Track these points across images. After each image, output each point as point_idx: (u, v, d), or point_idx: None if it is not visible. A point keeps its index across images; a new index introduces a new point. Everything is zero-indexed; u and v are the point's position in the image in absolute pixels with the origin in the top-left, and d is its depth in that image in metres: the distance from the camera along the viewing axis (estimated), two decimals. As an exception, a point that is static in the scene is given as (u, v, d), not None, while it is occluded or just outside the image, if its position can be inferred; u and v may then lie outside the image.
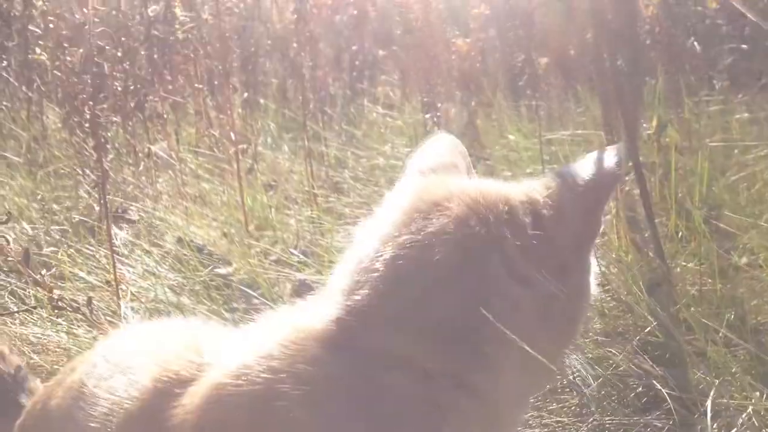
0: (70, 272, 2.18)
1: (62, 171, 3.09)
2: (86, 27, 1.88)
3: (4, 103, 3.69)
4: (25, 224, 2.38)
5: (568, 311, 0.99)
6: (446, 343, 0.91)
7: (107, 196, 2.37)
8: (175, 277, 2.35)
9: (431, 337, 0.91)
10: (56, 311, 1.79)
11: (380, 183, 3.52)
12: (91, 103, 1.98)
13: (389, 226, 0.97)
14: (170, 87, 3.52)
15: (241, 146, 2.95)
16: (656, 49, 3.67)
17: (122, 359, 1.12)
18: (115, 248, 2.40)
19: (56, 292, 1.98)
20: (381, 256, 0.94)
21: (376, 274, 0.93)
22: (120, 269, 2.28)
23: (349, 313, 0.93)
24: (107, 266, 2.23)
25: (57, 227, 2.45)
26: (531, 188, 0.99)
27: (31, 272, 1.80)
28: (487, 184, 1.03)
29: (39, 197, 2.65)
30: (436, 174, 1.06)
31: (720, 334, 1.79)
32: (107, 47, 2.25)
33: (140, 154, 2.87)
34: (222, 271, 2.48)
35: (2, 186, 2.68)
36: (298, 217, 3.13)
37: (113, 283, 2.04)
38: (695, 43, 3.38)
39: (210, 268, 2.46)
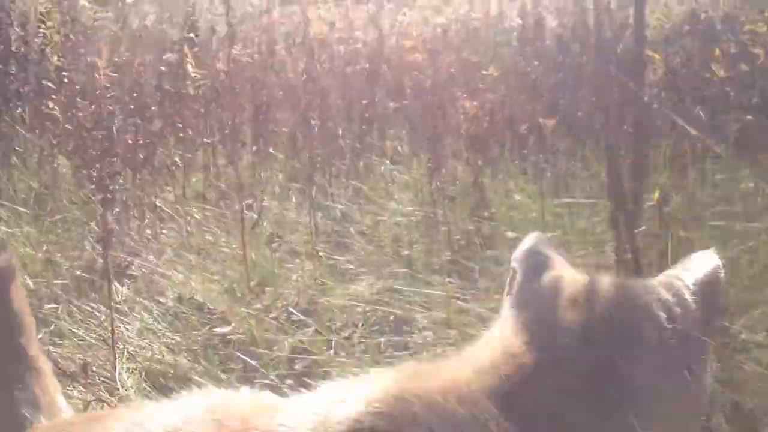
0: (69, 330, 2.19)
1: (69, 218, 3.13)
2: (98, 92, 1.93)
3: (17, 148, 3.74)
4: (27, 279, 2.40)
5: (688, 409, 1.10)
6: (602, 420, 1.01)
7: (111, 252, 2.39)
8: (172, 336, 2.36)
9: (590, 411, 1.01)
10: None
11: (384, 240, 3.53)
12: (98, 165, 2.01)
13: (538, 312, 1.11)
14: (181, 135, 3.57)
15: (247, 201, 2.98)
16: (662, 115, 3.70)
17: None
18: (116, 304, 2.41)
19: (53, 350, 1.99)
20: (536, 334, 1.06)
21: (537, 344, 1.05)
22: (119, 327, 2.30)
23: (520, 377, 1.02)
24: (106, 324, 2.25)
25: (59, 281, 2.47)
26: (656, 286, 1.11)
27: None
28: (613, 281, 1.15)
29: (44, 248, 2.68)
30: (558, 270, 1.20)
31: (714, 421, 1.79)
32: (117, 109, 2.29)
33: (146, 208, 2.90)
34: (220, 330, 2.49)
35: (9, 237, 2.71)
36: (300, 273, 3.14)
37: (110, 343, 2.05)
38: (701, 112, 3.40)
39: (208, 327, 2.46)
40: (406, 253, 3.31)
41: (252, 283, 2.97)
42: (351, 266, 3.34)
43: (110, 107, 2.04)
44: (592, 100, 3.96)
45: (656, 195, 2.78)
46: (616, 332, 1.06)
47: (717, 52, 3.96)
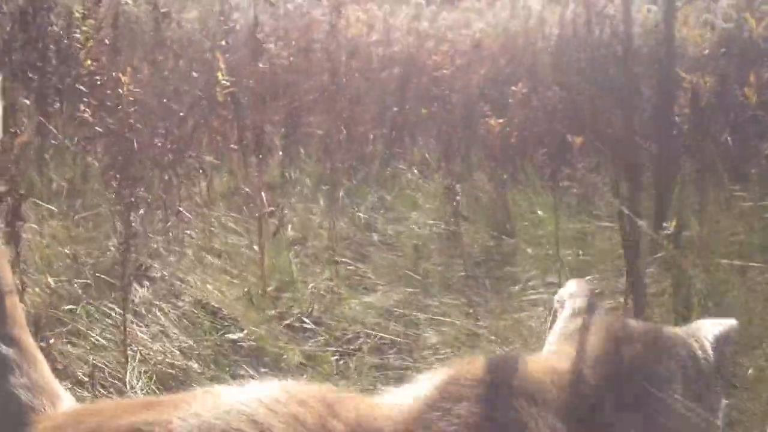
0: (86, 331, 2.27)
1: (98, 214, 3.22)
2: (119, 107, 1.99)
3: (52, 141, 3.85)
4: (49, 278, 2.49)
5: None
6: None
7: (132, 255, 2.46)
8: (186, 340, 2.43)
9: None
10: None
11: (404, 250, 3.57)
12: (119, 174, 2.09)
13: (593, 348, 1.29)
14: (215, 136, 3.63)
15: (269, 209, 3.04)
16: (690, 138, 3.68)
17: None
18: (133, 306, 2.49)
19: (68, 351, 2.07)
20: (596, 369, 1.25)
21: (599, 375, 1.24)
22: (134, 329, 2.37)
23: (593, 396, 1.21)
24: (122, 325, 2.32)
25: (81, 280, 2.55)
26: (685, 336, 1.33)
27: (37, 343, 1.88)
28: (650, 325, 1.41)
29: (68, 247, 2.77)
30: (602, 312, 1.42)
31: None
32: (147, 113, 2.36)
33: (169, 211, 2.98)
34: (233, 336, 2.55)
35: (35, 234, 2.80)
36: (318, 281, 3.19)
37: (123, 346, 2.12)
38: (728, 138, 3.38)
39: (221, 333, 2.53)
40: (424, 266, 3.34)
41: (270, 288, 3.03)
42: (369, 275, 3.39)
43: (131, 121, 2.11)
44: (622, 118, 3.94)
45: (674, 223, 2.78)
46: (653, 369, 1.26)
47: (752, 76, 3.92)
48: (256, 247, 3.22)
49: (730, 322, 1.38)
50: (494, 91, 4.26)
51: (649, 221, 3.29)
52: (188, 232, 3.23)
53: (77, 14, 2.77)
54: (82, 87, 2.75)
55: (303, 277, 3.24)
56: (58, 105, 4.05)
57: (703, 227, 3.14)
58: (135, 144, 2.08)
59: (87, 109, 2.75)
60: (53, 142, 3.78)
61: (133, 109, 2.07)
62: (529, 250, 3.53)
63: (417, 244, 3.61)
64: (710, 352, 1.32)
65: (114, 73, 2.16)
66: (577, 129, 4.10)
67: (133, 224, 2.47)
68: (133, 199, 2.42)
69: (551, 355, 1.35)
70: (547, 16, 8.12)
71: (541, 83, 4.59)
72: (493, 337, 2.53)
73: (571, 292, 1.49)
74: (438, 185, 4.12)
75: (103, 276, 2.51)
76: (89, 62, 2.72)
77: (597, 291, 3.05)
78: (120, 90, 2.01)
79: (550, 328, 1.46)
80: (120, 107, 2.02)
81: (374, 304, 3.01)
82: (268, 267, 3.13)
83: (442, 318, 2.75)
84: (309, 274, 3.29)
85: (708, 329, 1.35)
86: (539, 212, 3.87)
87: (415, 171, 4.58)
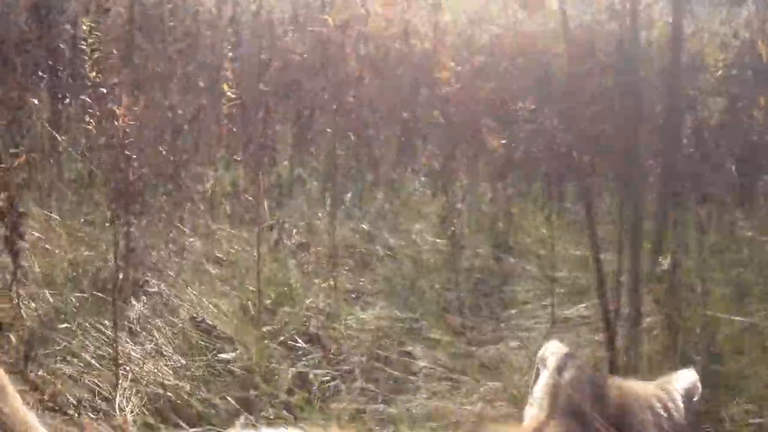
0: (81, 349, 2.31)
1: (101, 219, 3.25)
2: (113, 138, 2.02)
3: (62, 138, 3.88)
4: (48, 292, 2.53)
5: None
6: None
7: (130, 272, 2.50)
8: (179, 360, 2.46)
9: None
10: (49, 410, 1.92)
11: (404, 265, 3.58)
12: (113, 204, 2.12)
13: (572, 406, 1.41)
14: (218, 146, 3.66)
15: (269, 222, 3.07)
16: (693, 163, 3.67)
17: None
18: (129, 323, 2.53)
19: (62, 369, 2.11)
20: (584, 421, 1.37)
21: None
22: (128, 348, 2.41)
23: None
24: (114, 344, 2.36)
25: (78, 295, 2.59)
26: (657, 389, 1.45)
27: (28, 376, 1.93)
28: (625, 381, 1.51)
29: (69, 255, 2.81)
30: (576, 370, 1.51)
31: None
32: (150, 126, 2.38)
33: (171, 226, 3.01)
34: (225, 356, 2.58)
35: (38, 241, 2.84)
36: (316, 294, 3.20)
37: (115, 365, 2.17)
38: (732, 168, 3.37)
39: (214, 352, 2.56)
40: (423, 284, 3.35)
41: (267, 302, 3.05)
42: (368, 288, 3.41)
43: (128, 152, 2.13)
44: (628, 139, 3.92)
45: (668, 259, 2.78)
46: (629, 419, 1.38)
47: (762, 100, 3.90)
48: (255, 254, 3.24)
49: (695, 376, 1.50)
50: (505, 102, 4.23)
51: (647, 246, 3.30)
52: (190, 239, 3.26)
53: (85, 26, 2.78)
54: (87, 98, 2.78)
55: (302, 289, 3.26)
56: (68, 101, 4.09)
57: (701, 258, 3.14)
58: (131, 174, 2.10)
59: (92, 120, 2.77)
60: (62, 139, 3.82)
61: (128, 140, 2.09)
62: (529, 268, 3.54)
63: (417, 259, 3.62)
64: (680, 404, 1.43)
65: (111, 106, 2.17)
66: (584, 147, 4.08)
67: (132, 239, 2.50)
68: (128, 220, 2.45)
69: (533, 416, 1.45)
70: (573, 14, 7.98)
71: (552, 95, 4.56)
72: (483, 368, 2.55)
73: (553, 351, 1.58)
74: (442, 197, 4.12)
75: (99, 294, 2.54)
76: (94, 74, 2.74)
77: (588, 321, 3.07)
78: (116, 122, 2.03)
79: (534, 384, 1.54)
80: (113, 137, 2.04)
81: (370, 322, 3.04)
82: (267, 278, 3.15)
83: (435, 343, 2.77)
84: (308, 287, 3.31)
85: (677, 382, 1.47)
86: (542, 230, 3.86)
87: (422, 178, 4.59)
